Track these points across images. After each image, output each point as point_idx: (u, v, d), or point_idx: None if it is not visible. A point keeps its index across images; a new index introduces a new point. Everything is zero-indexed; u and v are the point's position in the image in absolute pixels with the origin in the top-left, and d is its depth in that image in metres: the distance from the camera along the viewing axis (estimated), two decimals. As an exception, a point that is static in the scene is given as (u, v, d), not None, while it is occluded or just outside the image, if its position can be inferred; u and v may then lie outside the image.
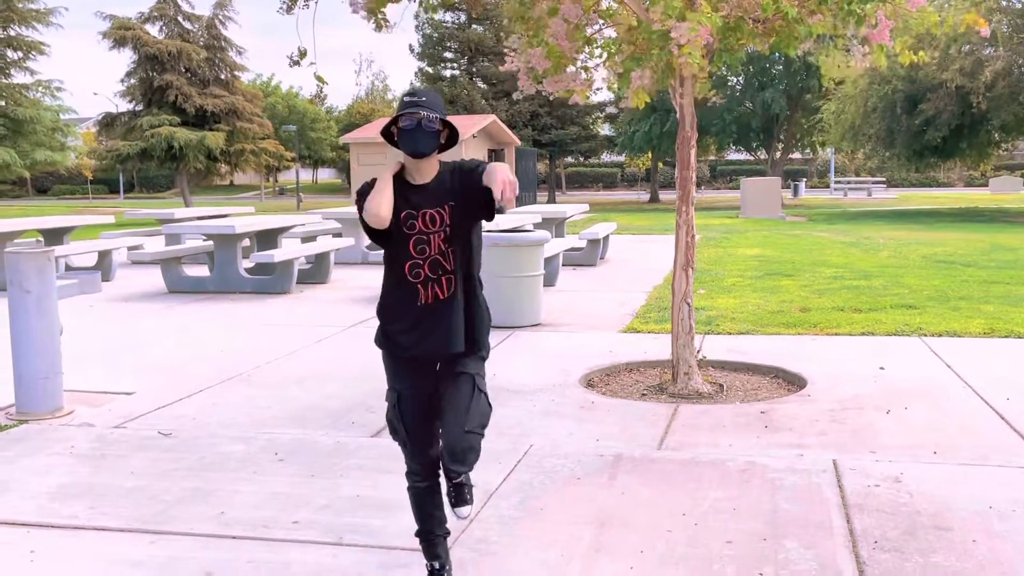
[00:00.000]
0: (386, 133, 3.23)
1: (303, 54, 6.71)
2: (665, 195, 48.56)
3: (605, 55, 6.69)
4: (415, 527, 3.35)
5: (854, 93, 27.83)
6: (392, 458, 4.76)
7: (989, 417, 5.46)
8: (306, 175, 69.61)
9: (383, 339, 3.28)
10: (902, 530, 3.78)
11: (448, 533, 3.39)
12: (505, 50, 6.71)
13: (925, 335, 7.94)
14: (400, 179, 3.20)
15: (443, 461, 3.18)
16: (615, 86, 6.84)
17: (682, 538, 3.73)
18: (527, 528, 3.85)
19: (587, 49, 6.70)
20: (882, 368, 6.74)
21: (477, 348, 3.26)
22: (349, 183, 51.77)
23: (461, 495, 3.22)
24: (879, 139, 28.14)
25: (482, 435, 3.17)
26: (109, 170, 38.11)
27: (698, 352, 6.73)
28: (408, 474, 3.32)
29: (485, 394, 3.22)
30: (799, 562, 3.49)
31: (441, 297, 3.18)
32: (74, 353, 7.35)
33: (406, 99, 3.14)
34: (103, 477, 4.58)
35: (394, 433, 3.29)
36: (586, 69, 6.91)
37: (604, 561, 3.53)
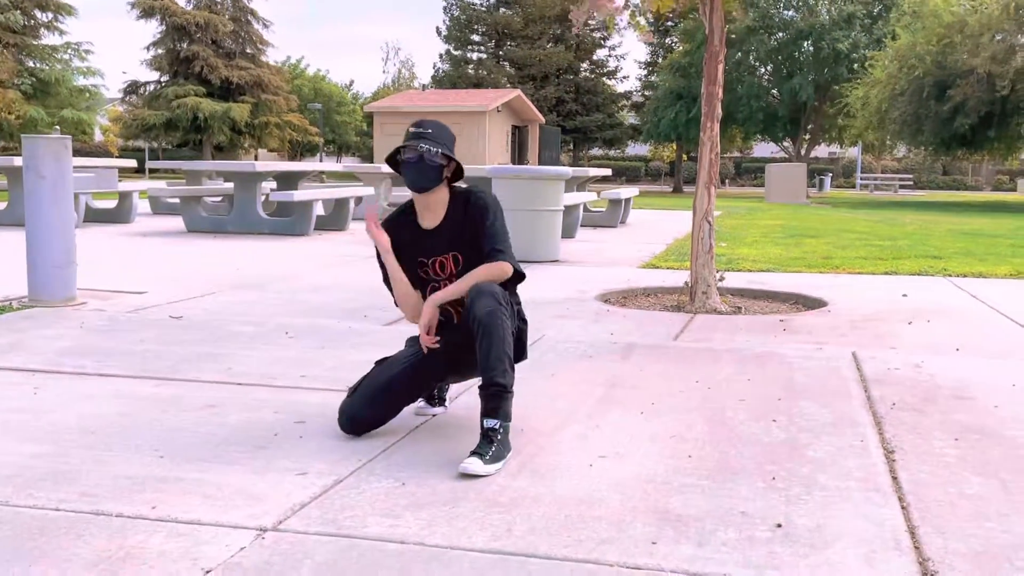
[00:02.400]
0: (391, 160, 3.09)
1: None
2: (688, 189, 48.27)
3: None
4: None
5: (882, 77, 27.53)
6: (405, 339, 4.72)
7: (1014, 330, 5.33)
8: (330, 164, 69.74)
9: None
10: (921, 397, 3.68)
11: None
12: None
13: (950, 275, 7.80)
14: (411, 221, 3.11)
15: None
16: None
17: (695, 396, 3.65)
18: (537, 387, 3.78)
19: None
20: (905, 295, 6.62)
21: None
22: (372, 160, 51.80)
23: (485, 444, 2.79)
24: (906, 125, 27.78)
25: (506, 358, 2.86)
26: (134, 138, 38.14)
27: (719, 278, 6.63)
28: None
29: (499, 323, 2.85)
30: (813, 415, 3.40)
31: (456, 322, 3.12)
32: (91, 267, 7.35)
33: (411, 130, 3.04)
34: (112, 343, 4.55)
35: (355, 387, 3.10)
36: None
37: (615, 410, 3.45)
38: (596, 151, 56.71)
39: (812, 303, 6.49)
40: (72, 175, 5.83)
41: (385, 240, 3.08)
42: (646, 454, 2.90)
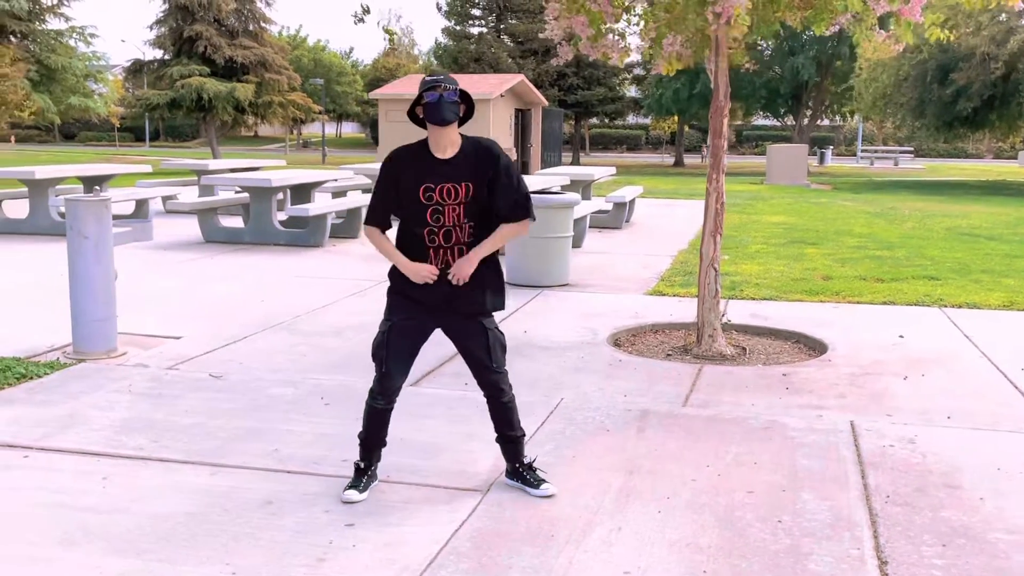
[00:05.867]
0: (411, 114, 3.68)
1: (367, 9, 6.84)
2: (690, 159, 48.44)
3: (642, 24, 6.83)
4: (365, 435, 3.87)
5: (887, 61, 27.63)
6: (432, 405, 5.06)
7: (1003, 386, 5.67)
8: (330, 129, 69.76)
9: (395, 282, 3.78)
10: (914, 487, 4.03)
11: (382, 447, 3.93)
12: (545, 17, 6.85)
13: (945, 306, 8.13)
14: (426, 152, 3.66)
15: (493, 418, 3.90)
16: (649, 54, 6.99)
17: (706, 487, 4.00)
18: (561, 473, 4.12)
19: (625, 16, 6.86)
20: (901, 336, 6.95)
21: (487, 309, 3.78)
22: (374, 138, 51.89)
23: (533, 477, 3.89)
24: (909, 108, 27.99)
25: (505, 367, 3.85)
26: (137, 118, 38.39)
27: (723, 316, 6.95)
28: (372, 394, 3.82)
29: (496, 329, 3.80)
30: (816, 512, 3.75)
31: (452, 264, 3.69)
32: (123, 298, 7.66)
33: (427, 79, 3.63)
34: (161, 414, 4.88)
35: (375, 358, 3.79)
36: (623, 36, 7.06)
37: (634, 505, 3.80)
38: (596, 120, 56.72)
39: (813, 345, 6.82)
40: (112, 232, 6.13)
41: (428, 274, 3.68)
42: (666, 568, 3.25)
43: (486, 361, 3.78)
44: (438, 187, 3.60)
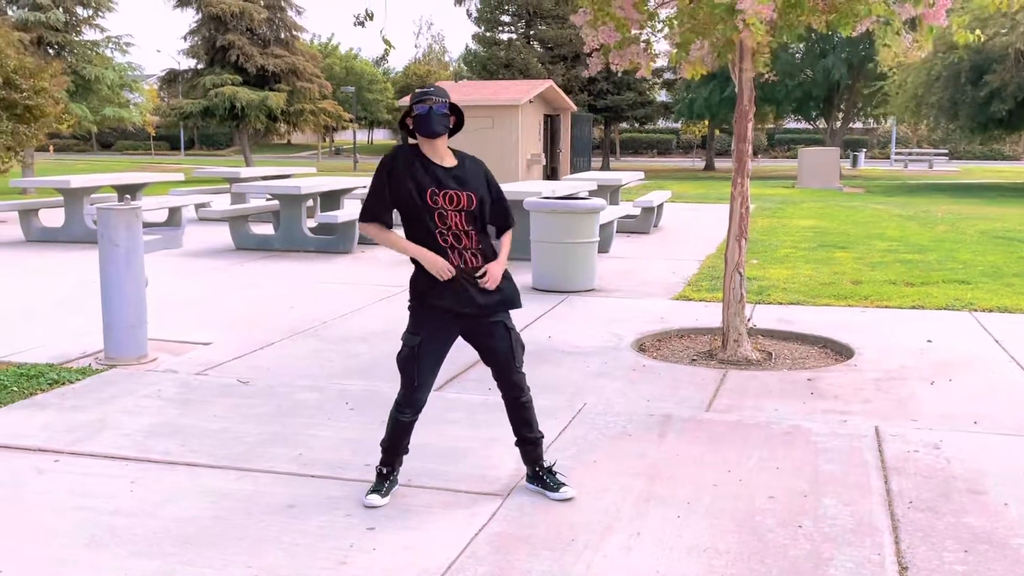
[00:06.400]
0: (402, 125, 3.74)
1: (370, 15, 6.87)
2: (720, 163, 48.18)
3: (667, 29, 6.84)
4: (388, 444, 3.90)
5: (916, 64, 27.33)
6: (454, 409, 5.10)
7: (1032, 391, 5.60)
8: (362, 136, 70.20)
9: (419, 291, 3.79)
10: (937, 492, 4.00)
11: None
12: (575, 23, 6.87)
13: (975, 310, 8.03)
14: (424, 159, 3.71)
15: (512, 420, 3.93)
16: (677, 59, 6.99)
17: (727, 492, 3.99)
18: (581, 477, 4.13)
19: (650, 23, 6.87)
20: (930, 341, 6.89)
21: (515, 304, 3.86)
22: (404, 144, 51.99)
23: (553, 481, 3.92)
24: (942, 110, 27.64)
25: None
26: (172, 127, 39.04)
27: (748, 320, 6.93)
28: (399, 407, 3.85)
29: (515, 329, 3.89)
30: (837, 517, 3.73)
31: (473, 265, 3.74)
32: (154, 304, 7.78)
33: (417, 92, 3.72)
34: (190, 419, 4.96)
35: (404, 372, 3.81)
36: (649, 43, 7.07)
37: (654, 510, 3.80)
38: (626, 125, 56.59)
39: (840, 349, 6.78)
40: (142, 240, 6.24)
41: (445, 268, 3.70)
42: (685, 573, 3.25)
43: (511, 361, 3.84)
44: (442, 192, 3.66)
